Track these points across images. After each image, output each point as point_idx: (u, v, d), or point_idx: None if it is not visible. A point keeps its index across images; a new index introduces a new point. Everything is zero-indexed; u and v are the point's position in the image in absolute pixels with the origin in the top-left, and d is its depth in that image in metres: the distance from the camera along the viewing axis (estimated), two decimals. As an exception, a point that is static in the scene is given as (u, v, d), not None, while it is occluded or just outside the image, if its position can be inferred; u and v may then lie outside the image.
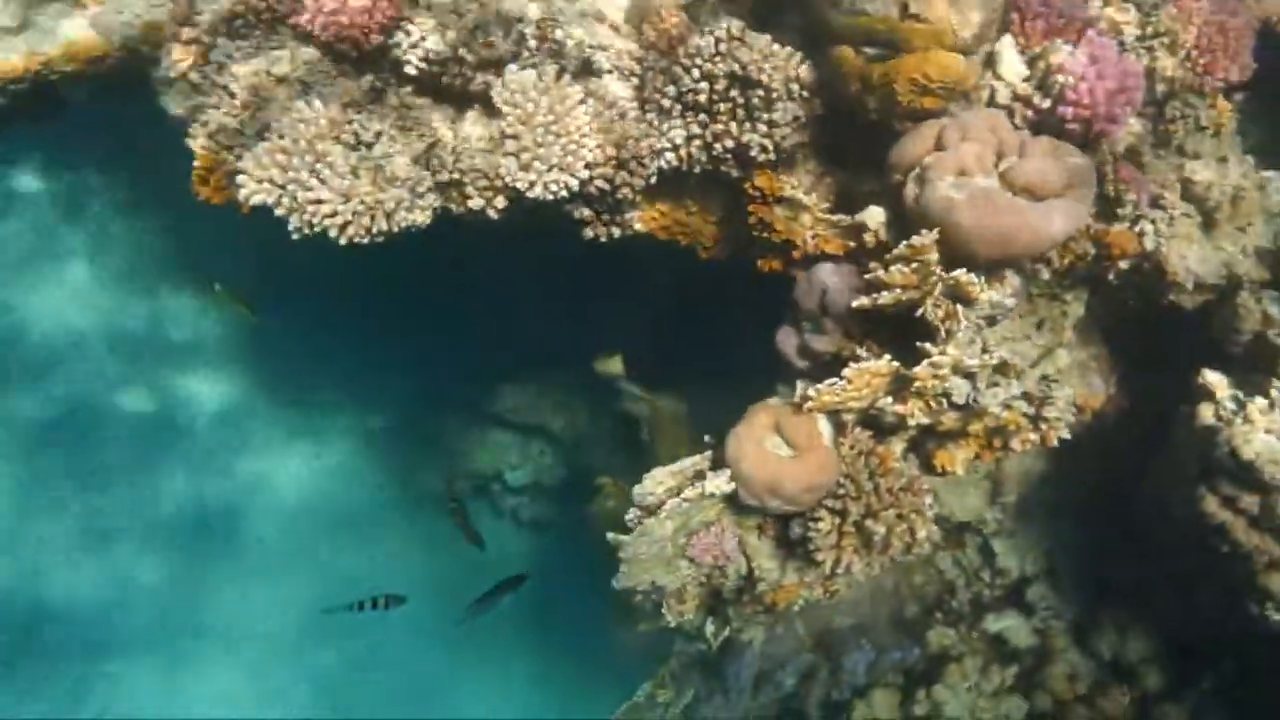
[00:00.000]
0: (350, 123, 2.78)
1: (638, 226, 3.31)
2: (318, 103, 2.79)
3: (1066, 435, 3.12)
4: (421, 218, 2.83)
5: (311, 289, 6.65)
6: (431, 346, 7.64)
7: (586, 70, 3.19)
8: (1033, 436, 3.09)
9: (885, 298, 2.87)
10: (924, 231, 2.80)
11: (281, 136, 2.72)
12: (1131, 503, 4.00)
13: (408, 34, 2.93)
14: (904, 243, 2.82)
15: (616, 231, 3.26)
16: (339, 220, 2.68)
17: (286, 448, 7.93)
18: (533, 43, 2.99)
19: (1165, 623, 4.13)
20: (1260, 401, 3.07)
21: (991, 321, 3.13)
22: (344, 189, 2.68)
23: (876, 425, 3.19)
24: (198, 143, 3.01)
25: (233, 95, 2.95)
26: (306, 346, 7.59)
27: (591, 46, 3.17)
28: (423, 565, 8.48)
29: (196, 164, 2.95)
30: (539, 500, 8.37)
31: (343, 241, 2.74)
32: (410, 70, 2.98)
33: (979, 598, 4.53)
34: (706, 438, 3.51)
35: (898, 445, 3.19)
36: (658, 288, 5.33)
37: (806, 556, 3.29)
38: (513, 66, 2.95)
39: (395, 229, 2.79)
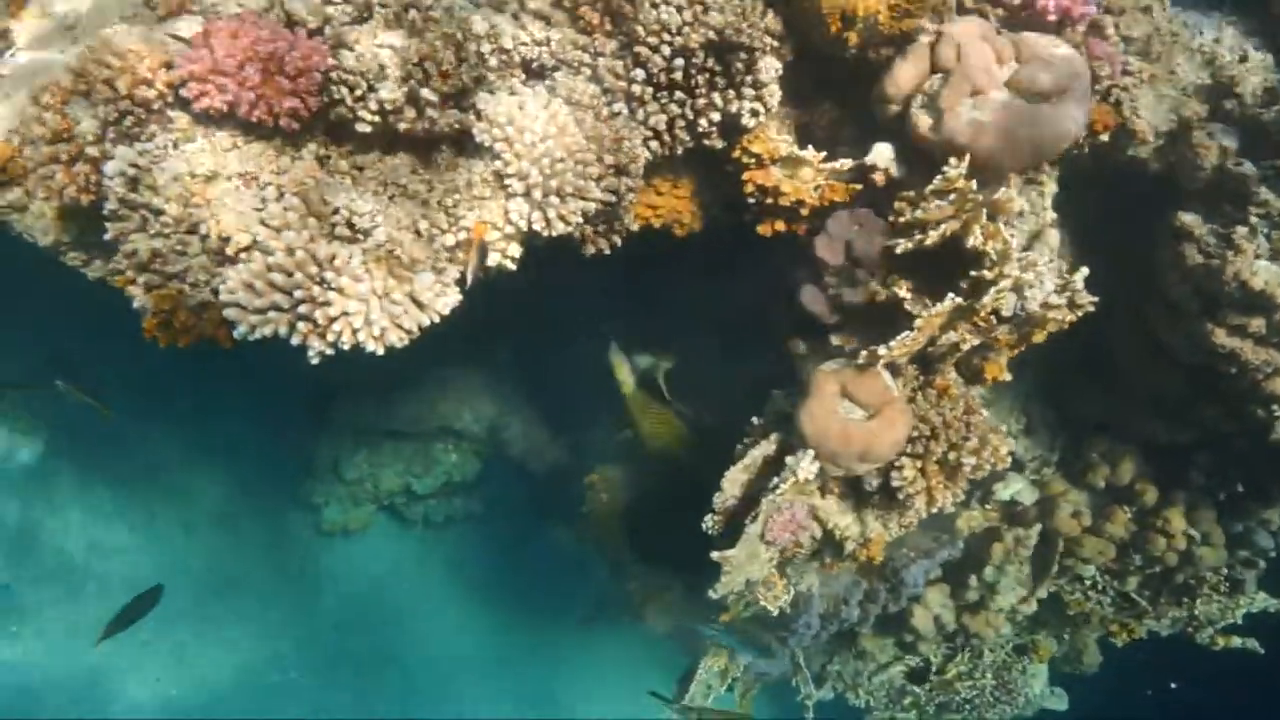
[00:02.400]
0: (335, 212, 2.33)
1: (635, 227, 3.03)
2: (292, 198, 2.31)
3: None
4: (454, 296, 2.45)
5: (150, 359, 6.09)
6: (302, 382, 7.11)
7: (533, 73, 2.84)
8: (1070, 318, 3.15)
9: (932, 236, 2.79)
10: (953, 161, 2.73)
11: (269, 252, 2.25)
12: (1098, 348, 4.23)
13: (350, 87, 2.47)
14: (939, 177, 2.74)
15: (618, 239, 2.97)
16: (374, 330, 2.27)
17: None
18: (493, 61, 2.61)
19: (1144, 443, 4.45)
20: (1242, 230, 3.26)
21: (1006, 225, 3.13)
22: (364, 293, 2.26)
23: (924, 359, 3.16)
24: (130, 277, 2.45)
25: (159, 212, 2.40)
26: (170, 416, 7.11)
27: (526, 43, 2.81)
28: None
29: (151, 307, 2.39)
30: (453, 498, 8.14)
31: (380, 351, 2.33)
32: (364, 128, 2.53)
33: (975, 471, 4.73)
34: (755, 420, 3.39)
35: (950, 372, 3.17)
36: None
37: (885, 504, 3.28)
38: (483, 95, 2.57)
39: (436, 319, 2.40)
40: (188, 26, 2.60)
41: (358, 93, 2.48)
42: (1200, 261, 3.34)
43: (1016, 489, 4.45)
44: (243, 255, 2.35)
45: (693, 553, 3.59)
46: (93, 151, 2.45)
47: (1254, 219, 3.25)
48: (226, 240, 2.36)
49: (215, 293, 2.39)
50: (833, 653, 5.12)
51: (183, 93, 2.42)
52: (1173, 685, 6.40)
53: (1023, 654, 5.13)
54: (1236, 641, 4.60)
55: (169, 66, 2.45)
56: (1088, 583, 4.77)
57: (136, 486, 7.70)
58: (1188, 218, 3.40)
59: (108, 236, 2.40)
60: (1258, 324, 3.27)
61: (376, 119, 2.53)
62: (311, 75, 2.40)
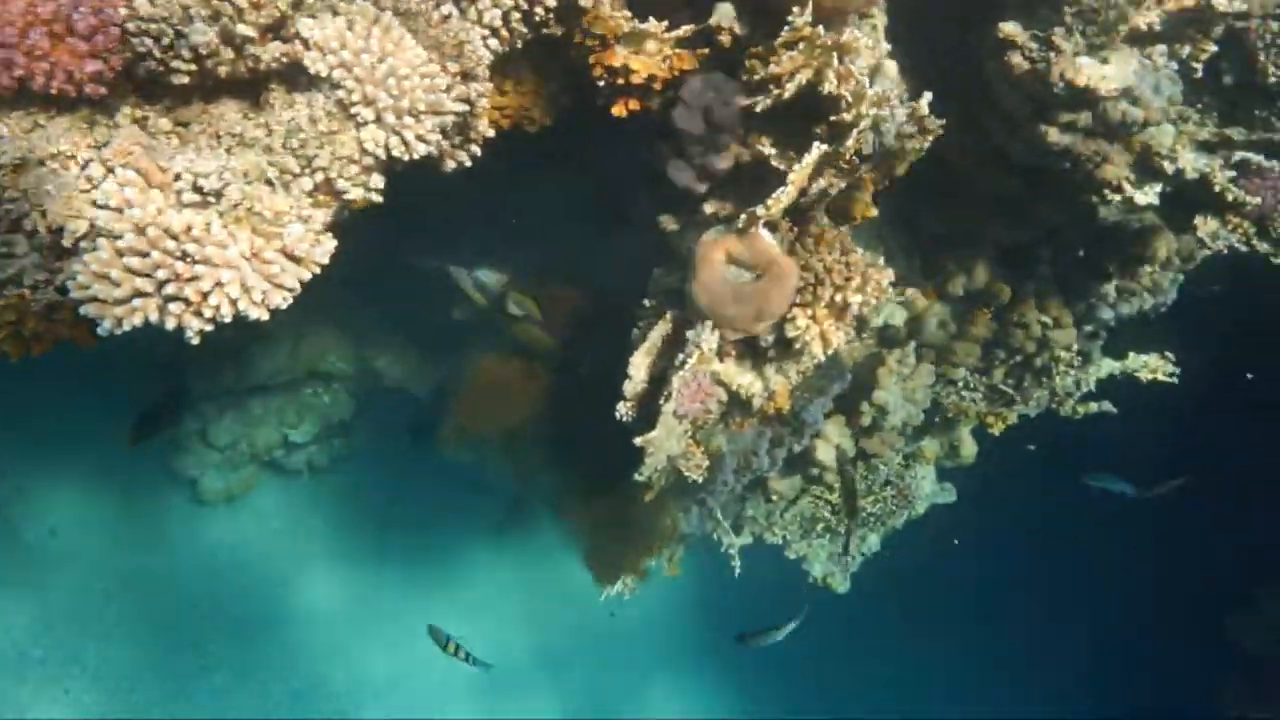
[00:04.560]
0: (177, 177, 2.13)
1: (490, 133, 2.91)
2: (123, 171, 2.10)
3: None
4: (329, 243, 2.30)
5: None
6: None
7: (348, -14, 2.62)
8: (925, 145, 3.27)
9: (788, 89, 2.80)
10: (797, 10, 2.72)
11: (116, 235, 2.04)
12: (939, 164, 4.41)
13: (155, 36, 2.22)
14: (786, 28, 2.73)
15: (476, 149, 2.85)
16: (254, 295, 2.13)
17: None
18: (307, -19, 2.39)
19: (992, 246, 4.74)
20: (1060, 30, 3.42)
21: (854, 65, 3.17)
22: (234, 258, 2.11)
23: (795, 209, 3.22)
24: (-45, 295, 2.19)
25: (-30, 216, 2.14)
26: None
27: (332, -46, 2.58)
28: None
29: (-5, 322, 2.16)
30: (333, 439, 7.96)
31: (265, 316, 2.19)
32: (180, 79, 2.30)
33: (845, 303, 4.94)
34: (647, 302, 3.40)
35: (822, 218, 3.26)
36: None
37: (782, 355, 3.39)
38: (307, 22, 2.36)
39: (316, 270, 2.26)
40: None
41: (165, 41, 2.23)
42: (1026, 68, 3.50)
43: (887, 312, 4.68)
44: (83, 244, 2.13)
45: (601, 439, 3.64)
46: None
47: (1069, 18, 3.41)
48: (59, 231, 2.13)
49: (62, 291, 2.18)
50: (745, 500, 5.37)
51: (-43, 74, 2.11)
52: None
53: (911, 461, 5.53)
54: (1094, 407, 5.08)
55: (-67, 47, 2.13)
56: (959, 384, 5.13)
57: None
58: (1009, 27, 3.52)
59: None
60: (1085, 118, 3.48)
61: (192, 67, 2.29)
62: (108, 31, 2.14)
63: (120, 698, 7.45)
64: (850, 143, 2.84)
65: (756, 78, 2.84)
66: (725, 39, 2.95)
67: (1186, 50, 3.51)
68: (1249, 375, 5.75)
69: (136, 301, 2.05)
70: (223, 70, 2.35)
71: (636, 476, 3.28)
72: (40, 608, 7.39)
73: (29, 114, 2.23)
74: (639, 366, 3.16)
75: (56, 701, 7.23)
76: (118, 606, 7.65)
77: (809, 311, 3.20)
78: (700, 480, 3.73)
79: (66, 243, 2.14)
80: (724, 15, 2.91)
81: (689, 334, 3.06)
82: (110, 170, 2.14)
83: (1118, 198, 3.78)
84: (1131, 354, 5.25)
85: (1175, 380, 5.06)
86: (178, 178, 2.13)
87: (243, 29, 2.28)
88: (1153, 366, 5.19)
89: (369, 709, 8.06)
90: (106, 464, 7.23)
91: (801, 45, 2.74)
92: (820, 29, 2.72)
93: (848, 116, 2.85)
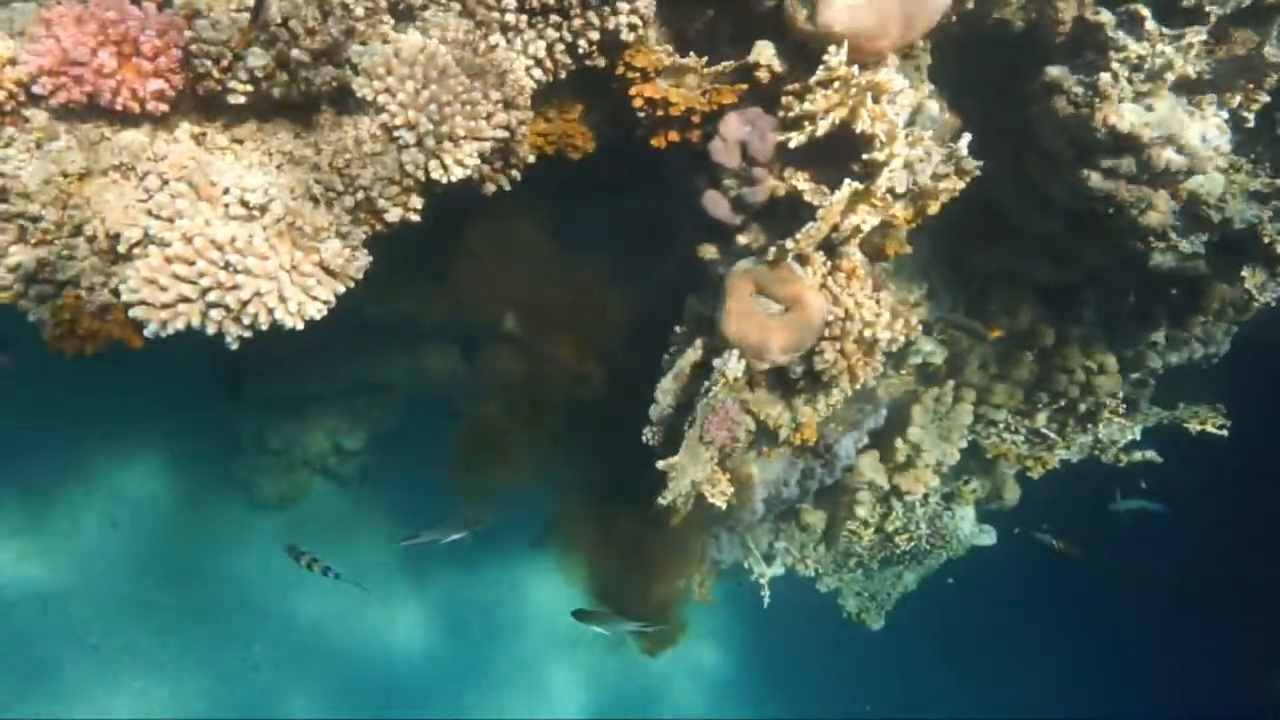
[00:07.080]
0: (226, 191, 2.26)
1: (531, 158, 3.01)
2: (177, 184, 2.23)
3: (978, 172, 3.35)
4: (365, 259, 2.41)
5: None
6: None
7: (401, 15, 2.75)
8: (960, 185, 3.28)
9: (822, 126, 2.85)
10: (832, 50, 2.77)
11: (166, 244, 2.18)
12: (986, 205, 4.40)
13: (214, 58, 2.36)
14: (820, 68, 2.79)
15: (516, 174, 2.95)
16: (290, 306, 2.24)
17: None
18: (359, 10, 2.51)
19: (1037, 288, 4.70)
20: (1105, 77, 3.41)
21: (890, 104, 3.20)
22: (273, 270, 2.22)
23: (828, 245, 3.26)
24: (18, 291, 2.34)
25: (36, 219, 2.29)
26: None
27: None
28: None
29: (49, 319, 2.30)
30: (385, 447, 8.12)
31: (299, 326, 2.30)
32: (236, 99, 2.43)
33: (886, 338, 4.93)
34: (679, 328, 3.46)
35: (854, 253, 3.28)
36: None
37: (811, 387, 3.42)
38: (356, 48, 2.49)
39: (352, 284, 2.37)
40: (21, 16, 2.43)
41: (224, 63, 2.37)
42: (1071, 112, 3.49)
43: (927, 350, 4.66)
44: (136, 251, 2.27)
45: (624, 463, 3.68)
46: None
47: (1115, 64, 3.40)
48: (116, 238, 2.27)
49: (115, 293, 2.32)
50: (778, 531, 5.37)
51: (35, 89, 2.28)
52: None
53: (950, 500, 5.47)
54: (1138, 455, 4.99)
55: (14, 63, 2.29)
56: (1000, 426, 5.08)
57: (52, 493, 7.49)
58: (1055, 71, 3.52)
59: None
60: (1128, 164, 3.45)
61: (249, 88, 2.43)
62: (171, 52, 2.28)
63: (168, 687, 7.67)
64: (882, 180, 2.87)
65: (792, 114, 2.90)
66: (764, 75, 3.01)
67: (1237, 100, 3.47)
68: None
69: (181, 307, 2.18)
70: (277, 92, 2.48)
71: (659, 501, 3.32)
72: (98, 596, 7.65)
73: (96, 126, 2.39)
74: (666, 392, 3.21)
75: (108, 684, 7.46)
76: (170, 597, 7.90)
77: (838, 346, 3.22)
78: (725, 507, 3.76)
79: (122, 249, 2.28)
80: (762, 52, 2.97)
81: (715, 362, 3.10)
82: (165, 182, 2.27)
83: (1161, 244, 3.74)
84: (1181, 404, 5.15)
85: (1225, 433, 4.94)
86: (226, 191, 2.25)
87: (297, 54, 2.41)
88: (1203, 417, 5.08)
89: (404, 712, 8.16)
90: (169, 463, 7.51)
91: (836, 84, 2.79)
92: (855, 69, 2.76)
93: (880, 155, 2.88)
